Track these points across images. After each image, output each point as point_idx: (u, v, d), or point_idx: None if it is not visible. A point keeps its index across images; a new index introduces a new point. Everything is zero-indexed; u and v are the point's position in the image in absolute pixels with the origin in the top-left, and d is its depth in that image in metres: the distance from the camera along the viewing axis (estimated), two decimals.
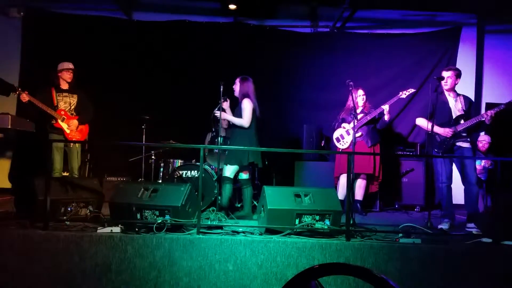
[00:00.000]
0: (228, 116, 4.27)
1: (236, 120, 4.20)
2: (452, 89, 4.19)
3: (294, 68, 6.24)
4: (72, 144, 4.56)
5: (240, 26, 6.30)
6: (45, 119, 4.52)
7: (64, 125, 4.48)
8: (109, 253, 2.92)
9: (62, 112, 4.51)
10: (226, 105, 4.36)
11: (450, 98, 4.18)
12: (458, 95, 4.21)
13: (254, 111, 4.22)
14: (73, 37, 5.99)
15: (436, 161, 4.16)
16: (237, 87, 4.31)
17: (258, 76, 6.02)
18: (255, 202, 4.57)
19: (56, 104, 4.52)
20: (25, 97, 4.31)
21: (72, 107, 4.62)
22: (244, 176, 4.31)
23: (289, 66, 6.23)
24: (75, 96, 4.66)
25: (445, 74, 4.15)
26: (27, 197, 3.46)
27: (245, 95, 4.24)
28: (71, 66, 4.62)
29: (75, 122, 4.57)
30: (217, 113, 4.23)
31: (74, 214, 3.50)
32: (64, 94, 4.61)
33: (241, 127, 4.19)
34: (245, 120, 4.17)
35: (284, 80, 6.21)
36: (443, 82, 4.13)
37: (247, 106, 4.18)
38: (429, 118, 4.16)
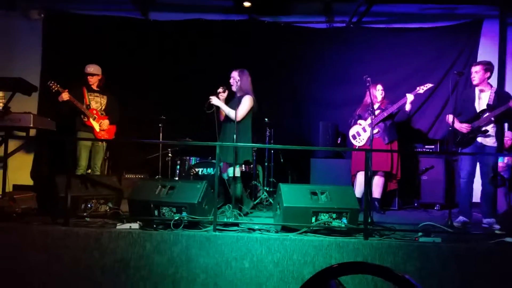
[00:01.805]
0: (222, 104, 4.06)
1: (227, 110, 4.01)
2: (483, 84, 4.06)
3: (310, 65, 6.18)
4: (100, 142, 4.71)
5: (254, 23, 6.28)
6: (74, 117, 4.67)
7: (95, 124, 4.65)
8: (128, 249, 2.96)
9: (94, 112, 4.68)
10: (223, 95, 4.17)
11: (478, 92, 4.08)
12: (492, 88, 4.07)
13: (252, 108, 4.10)
14: (91, 37, 6.10)
15: (460, 157, 4.09)
16: (235, 80, 4.14)
17: (273, 73, 6.01)
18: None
19: (88, 103, 4.68)
20: (65, 96, 4.45)
21: (103, 107, 4.80)
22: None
23: (305, 62, 6.18)
24: (105, 97, 4.85)
25: (473, 69, 4.06)
26: (49, 194, 3.54)
27: (246, 91, 4.10)
28: (91, 70, 4.73)
29: (106, 122, 4.74)
30: (212, 99, 3.99)
31: (94, 210, 3.57)
32: (95, 94, 4.80)
33: (233, 122, 3.96)
34: (239, 114, 3.96)
35: (299, 77, 6.17)
36: (470, 77, 4.04)
37: (248, 103, 4.05)
38: (453, 113, 4.09)
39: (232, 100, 4.19)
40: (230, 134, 4.02)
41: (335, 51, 6.18)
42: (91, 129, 4.66)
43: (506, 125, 5.75)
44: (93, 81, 4.77)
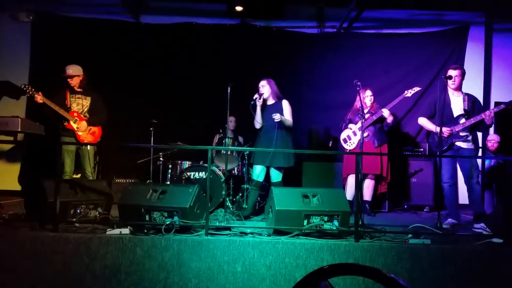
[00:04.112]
0: (282, 117, 4.18)
1: (288, 122, 4.24)
2: (458, 88, 4.17)
3: (301, 69, 6.23)
4: (84, 146, 4.59)
5: (246, 28, 6.32)
6: (57, 120, 4.55)
7: (75, 126, 4.51)
8: (118, 254, 2.93)
9: (75, 114, 4.54)
10: (259, 103, 4.28)
11: (453, 97, 4.17)
12: (463, 94, 4.19)
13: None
14: (81, 40, 6.05)
15: (441, 161, 4.17)
16: (266, 89, 4.33)
17: (265, 77, 6.05)
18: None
19: (69, 106, 4.55)
20: (39, 98, 4.33)
21: (85, 109, 4.65)
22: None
23: (296, 66, 6.22)
24: (88, 98, 4.69)
25: (453, 73, 4.11)
26: (37, 199, 3.48)
27: (280, 96, 4.35)
28: (70, 72, 4.58)
29: (83, 123, 4.58)
30: (276, 116, 4.10)
31: (83, 216, 3.51)
32: (78, 96, 4.64)
33: (288, 129, 4.26)
34: (291, 119, 4.28)
35: (291, 81, 6.20)
36: (450, 81, 4.10)
37: (289, 106, 4.30)
38: (432, 117, 4.17)
39: (267, 108, 4.33)
40: (289, 140, 4.26)
41: (326, 55, 6.24)
42: (73, 132, 4.52)
43: (492, 127, 5.87)
44: (74, 83, 4.61)
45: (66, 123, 4.51)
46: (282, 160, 4.19)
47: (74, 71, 4.62)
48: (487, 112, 3.90)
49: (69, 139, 4.54)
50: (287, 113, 4.27)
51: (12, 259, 2.94)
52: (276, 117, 4.11)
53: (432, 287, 2.88)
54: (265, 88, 4.33)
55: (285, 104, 4.30)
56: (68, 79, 4.59)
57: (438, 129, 4.01)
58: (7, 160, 5.89)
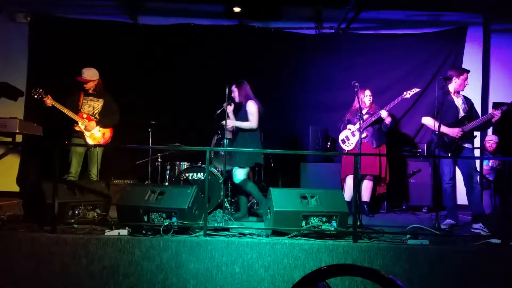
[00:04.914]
0: (236, 122, 4.23)
1: (244, 125, 4.19)
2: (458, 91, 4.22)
3: (299, 70, 6.23)
4: (93, 148, 4.61)
5: (244, 29, 6.31)
6: (67, 123, 4.56)
7: (82, 128, 4.52)
8: (117, 255, 2.93)
9: (85, 116, 4.56)
10: (230, 109, 4.37)
11: (455, 98, 4.19)
12: (461, 96, 4.25)
13: (258, 109, 4.27)
14: (79, 41, 6.03)
15: (442, 162, 4.16)
16: (236, 94, 4.34)
17: (263, 78, 6.05)
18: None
19: (80, 108, 4.58)
20: (48, 102, 4.35)
21: (96, 111, 4.67)
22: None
23: (294, 67, 6.23)
24: (101, 100, 4.72)
25: (466, 76, 4.17)
26: (35, 200, 3.48)
27: (247, 97, 4.28)
28: (85, 77, 4.60)
29: (92, 124, 4.59)
30: (228, 123, 4.19)
31: (81, 217, 3.52)
32: (90, 98, 4.68)
33: (249, 130, 4.20)
34: (254, 122, 4.19)
35: (289, 82, 6.21)
36: (457, 83, 4.11)
37: (252, 107, 4.20)
38: (436, 117, 4.17)
39: (239, 111, 4.36)
40: (242, 140, 4.20)
41: (324, 56, 6.24)
42: (82, 134, 4.55)
43: (491, 128, 5.89)
44: (89, 86, 4.66)
45: (75, 125, 4.54)
46: (238, 160, 4.18)
47: (89, 75, 4.65)
48: (496, 112, 3.96)
49: (78, 141, 4.57)
50: (251, 114, 4.18)
51: (10, 261, 2.93)
52: (228, 124, 4.21)
53: (430, 287, 2.88)
54: (235, 93, 4.35)
55: (248, 105, 4.22)
56: (83, 84, 4.62)
57: (445, 129, 4.02)
58: (6, 161, 5.85)
